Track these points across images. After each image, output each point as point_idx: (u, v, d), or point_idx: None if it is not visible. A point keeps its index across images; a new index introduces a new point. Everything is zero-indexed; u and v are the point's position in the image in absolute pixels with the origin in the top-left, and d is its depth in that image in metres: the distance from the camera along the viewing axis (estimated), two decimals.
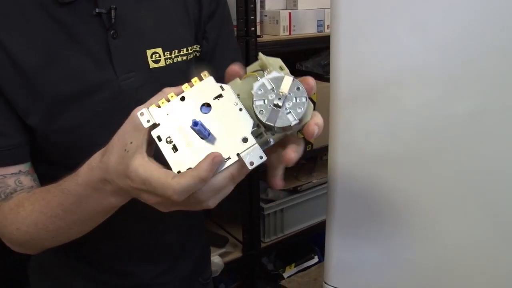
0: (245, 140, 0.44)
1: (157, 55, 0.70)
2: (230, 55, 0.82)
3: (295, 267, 1.89)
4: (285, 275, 1.85)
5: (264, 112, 0.44)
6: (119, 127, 0.58)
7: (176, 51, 0.73)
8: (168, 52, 0.72)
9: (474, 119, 0.54)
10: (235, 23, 1.44)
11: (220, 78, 0.80)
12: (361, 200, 0.65)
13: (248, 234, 1.69)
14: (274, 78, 0.45)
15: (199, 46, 0.78)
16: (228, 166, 0.44)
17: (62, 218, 0.59)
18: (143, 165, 0.46)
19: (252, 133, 0.44)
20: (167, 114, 0.46)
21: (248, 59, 1.44)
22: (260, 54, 0.50)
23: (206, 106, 0.46)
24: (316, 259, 1.91)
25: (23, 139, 0.68)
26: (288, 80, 0.45)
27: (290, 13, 1.60)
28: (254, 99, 0.44)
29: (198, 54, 0.78)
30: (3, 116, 0.65)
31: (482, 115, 0.53)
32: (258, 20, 1.53)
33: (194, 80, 0.47)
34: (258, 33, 1.52)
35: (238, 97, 0.46)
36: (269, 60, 0.48)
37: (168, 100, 0.46)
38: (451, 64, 0.53)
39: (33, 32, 0.64)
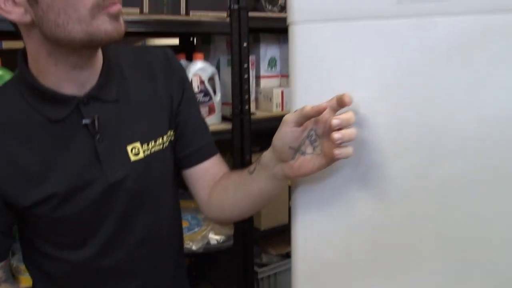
0: None
1: (136, 148, 0.83)
2: (198, 133, 0.95)
3: None
4: None
5: None
6: (109, 211, 0.79)
7: (153, 141, 0.86)
8: (146, 144, 0.85)
9: (445, 186, 0.65)
10: (230, 101, 1.58)
11: (190, 155, 0.95)
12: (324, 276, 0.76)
13: None
14: None
15: (173, 130, 0.91)
16: None
17: None
18: None
19: None
20: None
21: (242, 136, 1.57)
22: None
23: None
24: None
25: (4, 243, 0.84)
26: None
27: (282, 91, 1.74)
28: None
29: (173, 138, 0.91)
30: None
31: (454, 183, 0.65)
32: (253, 97, 1.68)
33: None
34: (254, 109, 1.66)
35: None
36: None
37: None
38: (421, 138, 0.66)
39: (35, 146, 0.78)
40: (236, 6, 1.47)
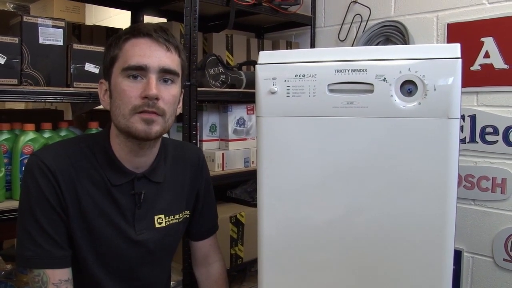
0: None
1: (161, 219, 1.10)
2: (210, 215, 1.28)
3: None
4: None
5: None
6: (131, 260, 0.99)
7: (172, 216, 1.13)
8: (167, 217, 1.11)
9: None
10: None
11: (201, 232, 1.30)
12: None
13: None
14: None
15: (189, 211, 1.20)
16: None
17: None
18: None
19: None
20: None
21: None
22: None
23: None
24: None
25: (70, 252, 1.03)
26: None
27: (223, 153, 1.96)
28: None
29: (188, 216, 1.20)
30: (64, 237, 1.00)
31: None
32: None
33: None
34: None
35: None
36: None
37: None
38: None
39: (97, 198, 1.02)
40: (188, 83, 1.75)
